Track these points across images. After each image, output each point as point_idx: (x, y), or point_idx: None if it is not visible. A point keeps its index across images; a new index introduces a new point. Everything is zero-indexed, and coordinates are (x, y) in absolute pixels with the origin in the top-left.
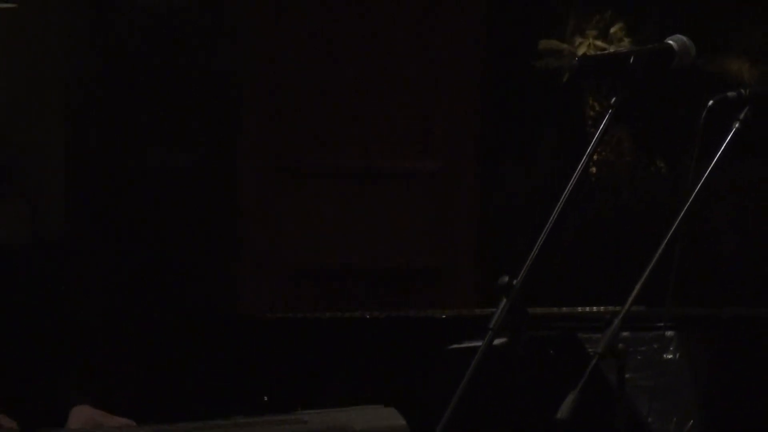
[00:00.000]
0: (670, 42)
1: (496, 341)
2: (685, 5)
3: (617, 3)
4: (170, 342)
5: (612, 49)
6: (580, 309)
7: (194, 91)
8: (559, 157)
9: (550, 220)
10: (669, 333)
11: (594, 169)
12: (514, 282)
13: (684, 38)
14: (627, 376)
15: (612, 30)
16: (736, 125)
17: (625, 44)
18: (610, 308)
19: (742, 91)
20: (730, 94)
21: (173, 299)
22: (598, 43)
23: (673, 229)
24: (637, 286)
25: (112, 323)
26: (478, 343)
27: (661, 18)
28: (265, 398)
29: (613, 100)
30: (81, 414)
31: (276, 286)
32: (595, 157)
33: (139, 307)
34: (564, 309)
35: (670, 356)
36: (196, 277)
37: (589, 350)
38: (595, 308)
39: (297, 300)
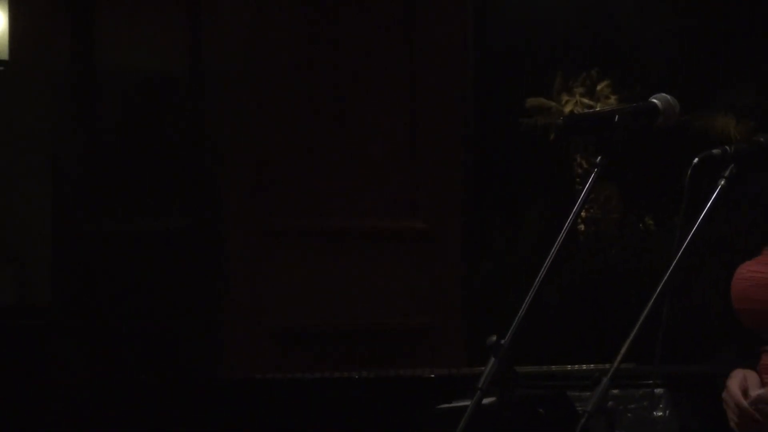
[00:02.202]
0: (655, 100)
1: (485, 400)
2: (672, 63)
3: (604, 61)
4: (155, 406)
5: (599, 107)
6: (569, 367)
7: (178, 156)
8: (546, 214)
9: (538, 278)
10: (658, 390)
11: (582, 227)
12: (503, 341)
13: (668, 97)
14: None
15: (599, 87)
16: (722, 182)
17: (612, 101)
18: (599, 366)
19: (727, 148)
20: (715, 151)
21: (158, 362)
22: (585, 100)
23: (661, 285)
24: (626, 344)
25: (97, 387)
26: (467, 403)
27: (648, 75)
28: None
29: (599, 158)
30: None
31: (262, 348)
32: (583, 214)
33: (125, 371)
34: (553, 367)
35: (660, 413)
36: (181, 340)
37: (579, 409)
38: (584, 366)
39: (283, 362)
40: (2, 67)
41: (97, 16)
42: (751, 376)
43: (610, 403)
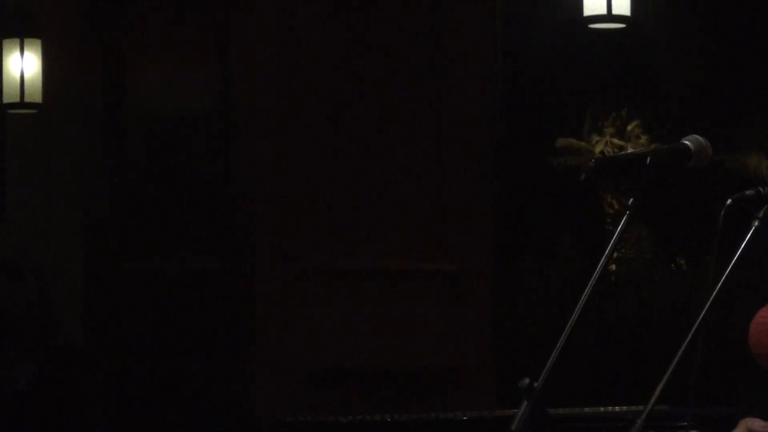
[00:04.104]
0: (687, 142)
1: None
2: (702, 102)
3: (634, 100)
4: None
5: (629, 147)
6: (602, 409)
7: (209, 197)
8: (577, 254)
9: (571, 320)
10: None
11: (614, 267)
12: (535, 384)
13: (701, 138)
14: None
15: (629, 127)
16: (755, 223)
17: (643, 141)
18: (633, 408)
19: (761, 189)
20: (748, 192)
21: (191, 404)
22: (615, 140)
23: (695, 326)
24: (660, 385)
25: (129, 428)
26: None
27: (678, 115)
28: None
29: (631, 201)
30: None
31: (293, 388)
32: (615, 254)
33: (157, 412)
34: (586, 409)
35: None
36: (214, 381)
37: None
38: (617, 408)
39: (314, 403)
40: (36, 110)
41: (128, 58)
42: (756, 423)
43: None
